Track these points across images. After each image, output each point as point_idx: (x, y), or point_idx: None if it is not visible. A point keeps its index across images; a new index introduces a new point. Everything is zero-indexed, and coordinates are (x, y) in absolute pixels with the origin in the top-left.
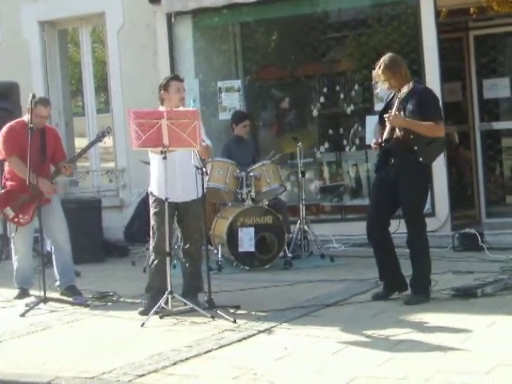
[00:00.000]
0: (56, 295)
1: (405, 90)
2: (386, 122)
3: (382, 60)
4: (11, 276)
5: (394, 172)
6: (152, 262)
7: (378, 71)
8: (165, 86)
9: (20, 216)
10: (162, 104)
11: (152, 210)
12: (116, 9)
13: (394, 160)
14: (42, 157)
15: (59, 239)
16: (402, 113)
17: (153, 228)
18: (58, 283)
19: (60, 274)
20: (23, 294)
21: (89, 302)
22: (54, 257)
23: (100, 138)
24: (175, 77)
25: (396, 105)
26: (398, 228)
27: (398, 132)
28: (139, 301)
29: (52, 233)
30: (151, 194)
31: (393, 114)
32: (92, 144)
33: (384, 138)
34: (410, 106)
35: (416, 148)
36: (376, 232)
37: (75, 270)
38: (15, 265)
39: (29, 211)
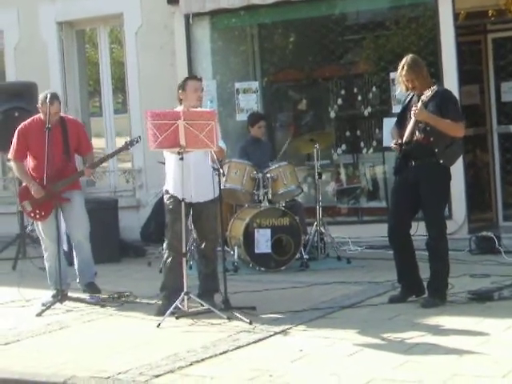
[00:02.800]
0: (76, 294)
1: (429, 93)
2: (411, 115)
3: (404, 61)
4: (29, 275)
5: (415, 174)
6: (166, 260)
7: (400, 72)
8: (182, 86)
9: (37, 211)
10: (181, 104)
11: (166, 208)
12: (134, 9)
13: (415, 162)
14: (65, 156)
15: (77, 236)
16: None
17: (167, 226)
18: (77, 280)
19: (79, 271)
20: (59, 295)
21: (105, 302)
22: (74, 253)
23: (128, 146)
24: (193, 76)
25: (420, 104)
26: (416, 230)
27: (418, 134)
28: (155, 301)
29: (71, 230)
30: (166, 192)
31: (418, 107)
32: (119, 151)
33: (404, 140)
34: (430, 108)
35: (436, 150)
36: (397, 235)
37: None
38: (46, 265)
39: (46, 208)
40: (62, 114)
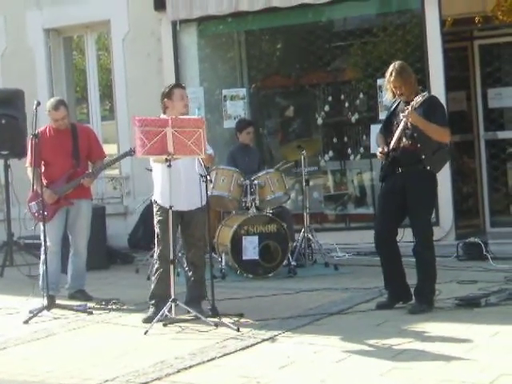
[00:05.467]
0: (63, 301)
1: (419, 99)
2: (401, 118)
3: (392, 67)
4: (15, 283)
5: (402, 181)
6: (156, 270)
7: (388, 78)
8: (168, 94)
9: (41, 212)
10: (165, 112)
11: (156, 218)
12: (121, 16)
13: (402, 169)
14: (73, 161)
15: (79, 245)
16: (409, 124)
17: (157, 236)
18: (67, 286)
19: (72, 278)
20: (52, 303)
21: (92, 309)
22: (69, 260)
23: (121, 157)
24: (177, 84)
25: (409, 109)
26: (402, 237)
27: (405, 141)
28: (143, 308)
29: (74, 238)
30: (155, 202)
31: (409, 109)
32: (114, 161)
33: (391, 147)
34: (417, 113)
35: (423, 156)
36: (384, 242)
37: None
38: (41, 269)
39: (50, 210)
40: (73, 121)
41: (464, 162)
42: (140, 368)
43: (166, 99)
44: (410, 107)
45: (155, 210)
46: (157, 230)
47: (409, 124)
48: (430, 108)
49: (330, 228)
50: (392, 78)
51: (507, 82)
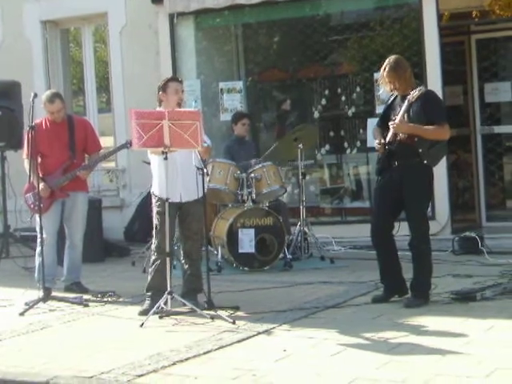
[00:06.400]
0: (59, 293)
1: (415, 93)
2: (390, 128)
3: (387, 62)
4: (11, 275)
5: (398, 175)
6: (153, 262)
7: (382, 73)
8: (163, 87)
9: (37, 203)
10: (160, 105)
11: (155, 210)
12: (118, 9)
13: (398, 162)
14: (70, 153)
15: (74, 237)
16: (405, 116)
17: (156, 227)
18: (63, 278)
19: (68, 270)
20: (48, 295)
21: (88, 302)
22: (65, 252)
23: (118, 149)
24: (173, 78)
25: (404, 108)
26: (398, 230)
27: (401, 135)
28: (139, 301)
29: (70, 230)
30: (153, 194)
31: (397, 120)
32: (110, 154)
33: (387, 140)
34: (415, 108)
35: (420, 150)
36: (380, 235)
37: None
38: (37, 261)
39: (46, 202)
40: (71, 113)
41: (460, 156)
42: (136, 360)
43: (161, 92)
44: (397, 118)
45: (154, 201)
46: (155, 221)
47: (405, 117)
48: (427, 104)
49: (326, 221)
50: (385, 73)
51: (504, 76)
